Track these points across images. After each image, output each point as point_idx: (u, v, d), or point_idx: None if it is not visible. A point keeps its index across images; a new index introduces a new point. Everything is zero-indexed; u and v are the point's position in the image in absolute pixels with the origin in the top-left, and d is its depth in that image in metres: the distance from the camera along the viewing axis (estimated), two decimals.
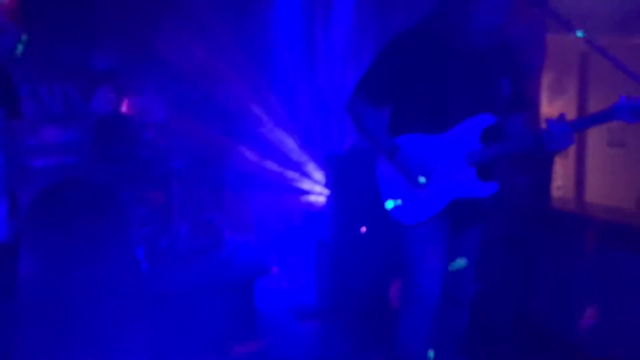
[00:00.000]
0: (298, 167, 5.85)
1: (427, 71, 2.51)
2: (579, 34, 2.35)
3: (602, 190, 5.13)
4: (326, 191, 4.62)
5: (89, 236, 4.13)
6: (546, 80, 5.65)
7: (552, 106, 5.64)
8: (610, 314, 3.17)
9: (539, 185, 3.84)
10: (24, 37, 2.44)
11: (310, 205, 5.61)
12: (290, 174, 5.85)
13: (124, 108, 4.89)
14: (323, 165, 5.01)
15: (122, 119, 4.76)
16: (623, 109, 2.32)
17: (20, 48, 2.42)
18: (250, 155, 5.86)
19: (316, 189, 5.68)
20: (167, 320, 3.83)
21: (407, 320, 2.62)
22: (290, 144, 5.92)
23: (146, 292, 4.10)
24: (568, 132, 2.34)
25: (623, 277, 3.08)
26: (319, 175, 5.66)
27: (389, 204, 2.58)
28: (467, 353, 3.10)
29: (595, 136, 5.17)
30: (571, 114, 5.36)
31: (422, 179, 2.49)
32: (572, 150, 5.39)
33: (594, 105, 5.02)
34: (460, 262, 2.66)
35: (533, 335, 3.64)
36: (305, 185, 5.79)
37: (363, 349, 3.67)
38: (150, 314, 3.87)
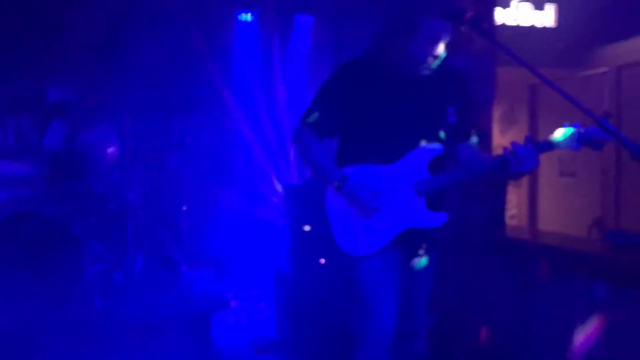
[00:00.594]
0: (257, 198, 5.84)
1: (372, 101, 2.51)
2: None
3: (554, 218, 5.25)
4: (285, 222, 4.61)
5: (41, 271, 4.03)
6: (498, 111, 5.81)
7: (504, 137, 5.79)
8: (565, 338, 3.21)
9: (493, 215, 3.92)
10: None
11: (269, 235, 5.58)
12: (250, 204, 5.83)
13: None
14: (282, 195, 5.01)
15: (76, 152, 4.68)
16: (567, 137, 2.36)
17: None
18: (208, 186, 5.82)
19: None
20: (123, 357, 3.73)
21: (362, 354, 2.56)
22: (248, 175, 5.91)
23: (101, 328, 4.01)
24: (533, 153, 2.35)
25: (576, 301, 3.14)
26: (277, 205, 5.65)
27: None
28: None
29: (547, 166, 5.30)
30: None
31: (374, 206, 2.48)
32: (525, 180, 5.52)
33: (544, 135, 5.15)
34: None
35: None
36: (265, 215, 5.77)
37: None
38: (105, 351, 3.78)
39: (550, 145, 2.42)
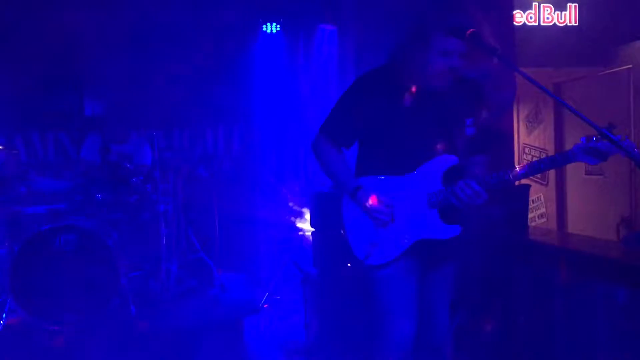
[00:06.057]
0: (287, 205, 5.94)
1: (388, 113, 2.54)
2: None
3: (583, 217, 5.22)
4: (311, 228, 4.70)
5: (78, 282, 4.20)
6: (524, 111, 5.79)
7: (530, 136, 5.77)
8: (587, 345, 3.20)
9: (515, 217, 3.90)
10: None
11: (300, 241, 5.69)
12: (280, 210, 5.94)
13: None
14: (309, 202, 5.10)
15: (111, 165, 4.85)
16: (581, 151, 2.33)
17: None
18: (240, 194, 5.96)
19: (305, 226, 5.77)
20: None
21: None
22: (278, 182, 6.03)
23: (136, 336, 4.16)
24: (479, 191, 2.41)
25: (597, 308, 3.12)
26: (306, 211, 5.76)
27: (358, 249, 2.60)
28: None
29: (574, 165, 5.27)
30: (549, 142, 5.48)
31: (384, 219, 2.52)
32: (552, 179, 5.49)
33: (569, 132, 5.15)
34: None
35: None
36: (296, 221, 5.88)
37: None
38: (141, 358, 3.92)
39: (532, 171, 2.42)
